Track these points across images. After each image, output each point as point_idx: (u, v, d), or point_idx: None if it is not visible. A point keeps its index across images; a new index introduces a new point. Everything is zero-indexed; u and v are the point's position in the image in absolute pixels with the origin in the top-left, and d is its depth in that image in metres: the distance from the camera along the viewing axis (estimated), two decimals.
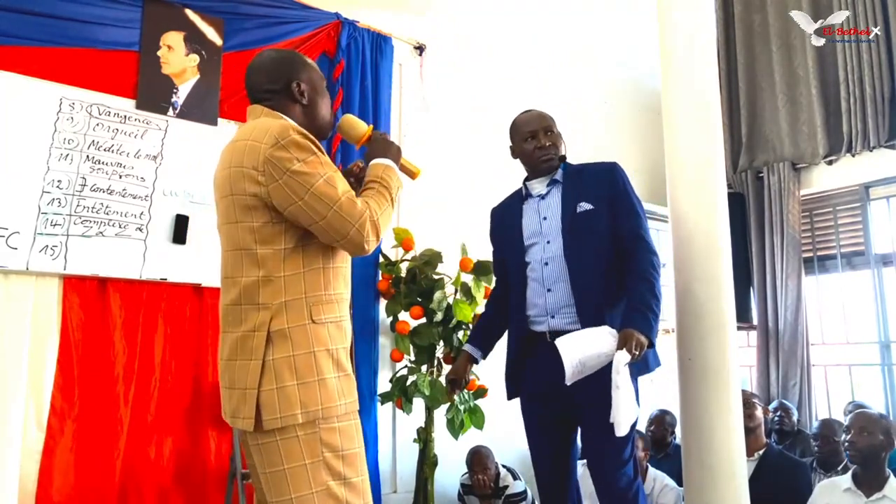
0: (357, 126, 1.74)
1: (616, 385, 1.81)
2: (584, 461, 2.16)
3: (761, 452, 3.02)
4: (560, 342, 1.87)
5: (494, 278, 2.40)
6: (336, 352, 1.49)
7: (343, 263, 1.57)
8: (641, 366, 1.99)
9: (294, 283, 1.47)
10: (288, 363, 1.43)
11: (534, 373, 2.12)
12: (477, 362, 2.29)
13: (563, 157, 2.19)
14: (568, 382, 1.87)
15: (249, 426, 1.43)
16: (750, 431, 2.82)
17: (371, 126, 1.76)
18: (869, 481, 2.57)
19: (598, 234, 2.04)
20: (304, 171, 1.44)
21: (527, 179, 2.25)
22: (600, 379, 1.88)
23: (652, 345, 1.92)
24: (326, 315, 1.49)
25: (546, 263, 2.08)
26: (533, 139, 2.17)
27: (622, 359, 1.81)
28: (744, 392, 2.72)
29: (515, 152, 2.25)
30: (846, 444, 2.65)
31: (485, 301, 3.47)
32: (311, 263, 1.49)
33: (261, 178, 1.45)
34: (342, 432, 1.45)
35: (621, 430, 1.82)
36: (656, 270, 2.01)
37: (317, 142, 1.51)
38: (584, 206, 2.06)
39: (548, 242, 2.10)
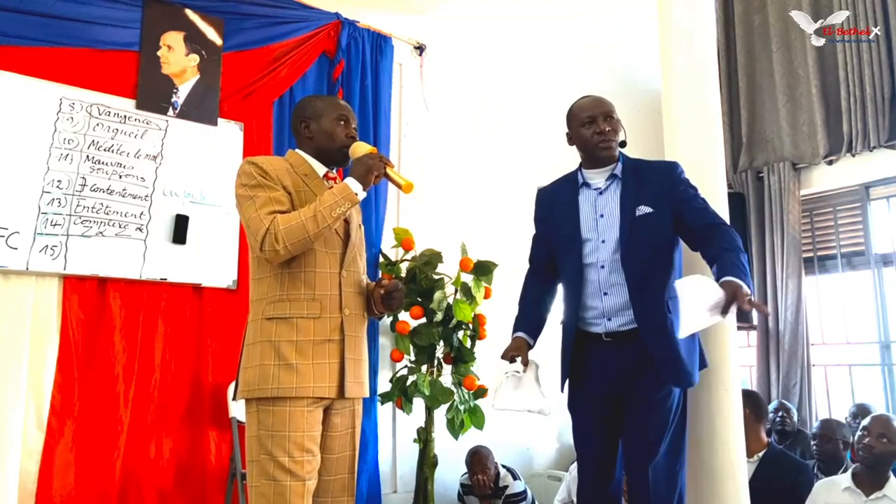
0: (357, 151, 1.85)
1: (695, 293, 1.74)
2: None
3: (762, 453, 3.01)
4: (681, 287, 1.77)
5: (532, 262, 2.28)
6: (279, 343, 1.72)
7: (300, 269, 1.76)
8: (685, 378, 1.95)
9: (260, 285, 1.80)
10: (247, 351, 1.78)
11: (594, 373, 2.06)
12: (531, 347, 2.14)
13: (624, 143, 2.10)
14: (681, 336, 1.79)
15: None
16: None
17: (372, 148, 1.85)
18: (870, 481, 2.57)
19: (658, 238, 1.98)
20: (240, 193, 1.78)
21: (584, 167, 2.14)
22: (650, 392, 1.94)
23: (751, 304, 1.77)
24: (276, 313, 1.75)
25: (602, 266, 2.01)
26: (591, 124, 2.04)
27: (718, 299, 1.71)
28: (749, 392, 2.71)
29: (572, 139, 2.13)
30: (860, 446, 2.61)
31: (486, 299, 3.49)
32: (273, 269, 1.77)
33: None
34: (275, 415, 1.68)
35: (681, 332, 1.77)
36: (743, 253, 1.90)
37: (263, 170, 1.77)
38: (644, 209, 1.98)
39: (602, 242, 2.01)
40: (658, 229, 1.98)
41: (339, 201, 1.72)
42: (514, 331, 2.15)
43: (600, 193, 2.06)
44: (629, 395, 1.98)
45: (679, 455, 2.02)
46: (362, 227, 1.98)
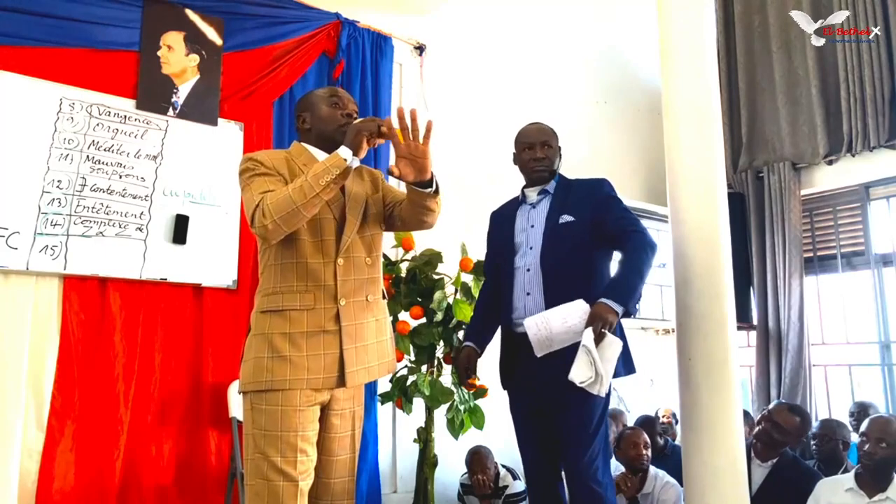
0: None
1: (583, 349, 1.92)
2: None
3: (775, 459, 2.97)
4: (528, 320, 2.05)
5: (486, 274, 2.50)
6: (272, 336, 1.71)
7: (293, 259, 1.76)
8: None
9: (261, 278, 1.81)
10: (246, 344, 1.78)
11: (520, 371, 2.22)
12: (479, 355, 2.36)
13: (554, 173, 2.30)
14: (538, 354, 2.03)
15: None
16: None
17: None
18: (873, 482, 2.56)
19: (577, 245, 2.14)
20: (241, 184, 1.79)
21: (525, 187, 2.37)
22: (575, 389, 1.98)
23: (628, 314, 2.00)
24: (270, 305, 1.74)
25: (528, 269, 2.20)
26: (530, 150, 2.29)
27: (588, 336, 1.91)
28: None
29: (515, 160, 2.38)
30: (861, 453, 2.60)
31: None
32: (271, 261, 1.78)
33: None
34: (268, 413, 1.68)
35: (575, 379, 1.92)
36: (646, 253, 2.08)
37: (258, 160, 1.78)
38: (566, 217, 2.18)
39: (530, 248, 2.22)
40: (577, 236, 2.15)
41: (327, 168, 1.66)
42: (464, 339, 2.38)
43: (533, 207, 2.30)
44: (557, 398, 2.09)
45: (602, 451, 2.11)
46: (377, 205, 1.95)
